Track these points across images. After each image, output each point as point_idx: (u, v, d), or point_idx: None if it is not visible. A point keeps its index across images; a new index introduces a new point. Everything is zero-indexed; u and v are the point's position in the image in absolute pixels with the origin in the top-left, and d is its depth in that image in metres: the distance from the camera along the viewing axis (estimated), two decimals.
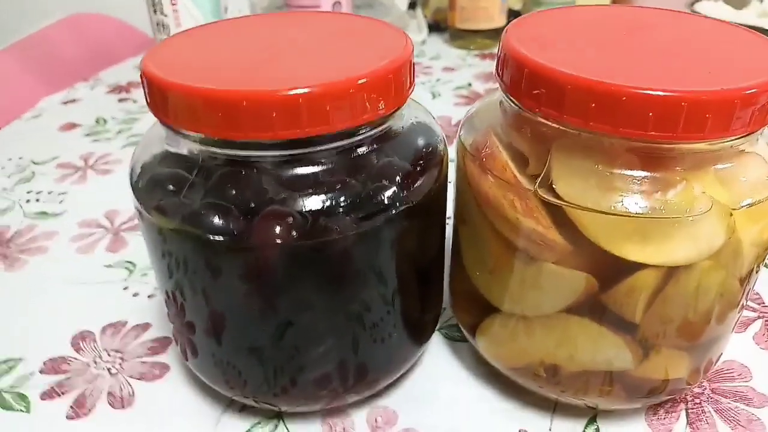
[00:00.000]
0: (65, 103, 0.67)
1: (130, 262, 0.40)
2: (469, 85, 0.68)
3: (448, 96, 0.65)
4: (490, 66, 0.73)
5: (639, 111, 0.20)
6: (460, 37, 0.80)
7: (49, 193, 0.49)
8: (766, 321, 0.35)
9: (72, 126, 0.61)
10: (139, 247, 0.41)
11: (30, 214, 0.46)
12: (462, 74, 0.71)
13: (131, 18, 0.81)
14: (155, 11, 0.63)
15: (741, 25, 0.60)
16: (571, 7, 0.29)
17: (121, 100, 0.67)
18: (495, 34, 0.79)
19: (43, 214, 0.46)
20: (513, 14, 0.82)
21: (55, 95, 0.69)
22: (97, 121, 0.62)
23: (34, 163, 0.54)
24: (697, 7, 0.72)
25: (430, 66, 0.74)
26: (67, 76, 0.72)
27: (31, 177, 0.52)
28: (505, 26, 0.81)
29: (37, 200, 0.48)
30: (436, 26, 0.86)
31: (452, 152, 0.29)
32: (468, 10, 0.77)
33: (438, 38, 0.84)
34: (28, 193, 0.49)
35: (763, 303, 0.36)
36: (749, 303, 0.36)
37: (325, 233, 0.23)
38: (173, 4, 0.62)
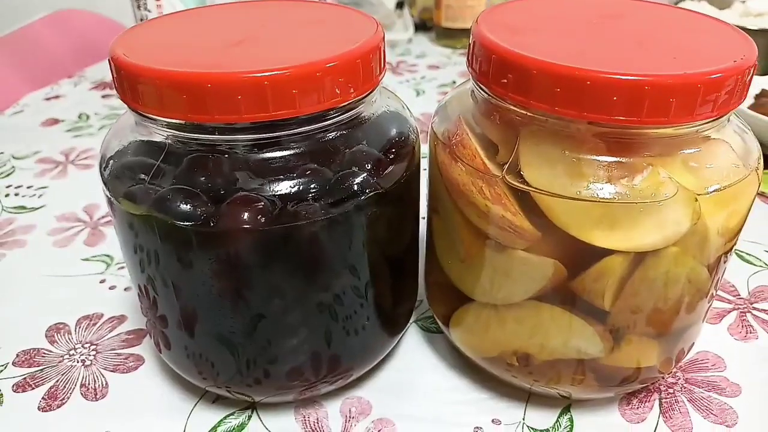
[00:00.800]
0: (48, 99, 0.67)
1: (107, 256, 0.40)
2: (453, 82, 0.68)
3: (432, 93, 0.65)
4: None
5: (603, 95, 0.20)
6: (446, 35, 0.80)
7: (29, 187, 0.49)
8: (740, 313, 0.35)
9: (54, 122, 0.61)
10: (116, 241, 0.41)
11: (9, 208, 0.46)
12: (446, 72, 0.71)
13: (116, 14, 0.81)
14: (139, 7, 0.63)
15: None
16: None
17: (104, 96, 0.67)
18: None
19: (22, 208, 0.46)
20: None
21: (38, 91, 0.68)
22: (80, 117, 0.62)
23: (15, 158, 0.53)
24: (681, 6, 0.72)
25: (416, 64, 0.74)
26: (50, 73, 0.72)
27: (11, 172, 0.51)
28: None
29: (17, 194, 0.48)
30: (422, 25, 0.86)
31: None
32: (454, 9, 0.77)
33: (424, 37, 0.84)
34: (8, 187, 0.49)
35: (738, 295, 0.36)
36: (724, 294, 0.36)
37: (293, 218, 0.23)
38: (157, 0, 0.62)
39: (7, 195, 0.48)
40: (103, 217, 0.44)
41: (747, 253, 0.40)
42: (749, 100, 0.54)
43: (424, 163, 0.28)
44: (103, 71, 0.74)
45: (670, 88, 0.20)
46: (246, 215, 0.22)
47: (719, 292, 0.37)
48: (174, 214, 0.23)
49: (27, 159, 0.53)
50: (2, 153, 0.54)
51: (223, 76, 0.21)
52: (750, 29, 0.63)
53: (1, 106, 0.64)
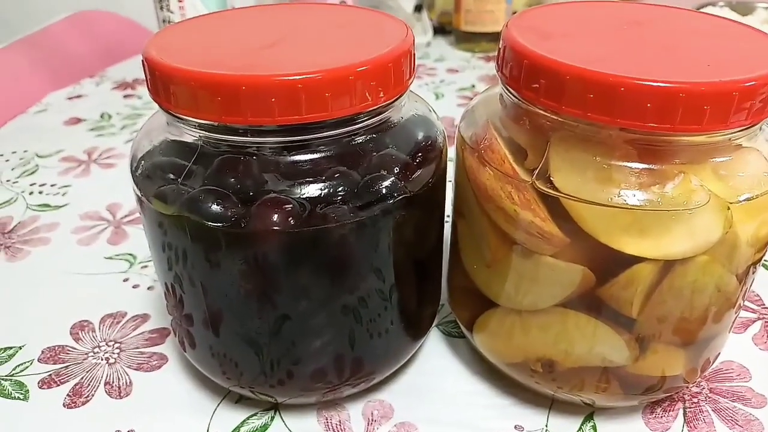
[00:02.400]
0: (71, 98, 0.67)
1: (130, 254, 0.41)
2: (473, 86, 0.68)
3: (452, 97, 0.65)
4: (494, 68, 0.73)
5: (637, 102, 0.20)
6: (465, 39, 0.80)
7: (52, 185, 0.49)
8: (765, 322, 0.35)
9: (77, 121, 0.61)
10: (139, 240, 0.41)
11: (33, 206, 0.47)
12: (466, 76, 0.71)
13: (138, 15, 0.82)
14: (161, 8, 0.63)
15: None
16: (573, 2, 0.29)
17: (126, 96, 0.68)
18: (499, 36, 0.79)
19: (46, 206, 0.46)
20: None
21: (61, 91, 0.69)
22: (102, 117, 0.62)
23: (39, 156, 0.54)
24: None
25: (435, 68, 0.74)
26: (73, 73, 0.73)
27: (35, 170, 0.52)
28: None
29: (40, 192, 0.48)
30: (441, 29, 0.86)
31: (453, 152, 0.29)
32: (473, 13, 0.77)
33: (443, 41, 0.84)
34: (32, 185, 0.49)
35: (763, 304, 0.36)
36: (748, 304, 0.36)
37: (322, 221, 0.23)
38: (180, 1, 0.62)
39: (31, 193, 0.48)
40: (126, 216, 0.45)
41: None
42: None
43: (449, 167, 0.28)
44: (124, 71, 0.75)
45: (704, 95, 0.20)
46: (276, 217, 0.23)
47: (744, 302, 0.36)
48: (205, 215, 0.23)
49: (50, 157, 0.54)
50: (26, 151, 0.55)
51: (257, 78, 0.21)
52: None
53: (25, 104, 0.65)
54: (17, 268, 0.40)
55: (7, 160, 0.54)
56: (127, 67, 0.76)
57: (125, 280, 0.38)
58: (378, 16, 0.27)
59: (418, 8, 0.88)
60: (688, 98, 0.20)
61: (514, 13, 0.81)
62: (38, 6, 0.90)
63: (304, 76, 0.21)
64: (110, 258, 0.40)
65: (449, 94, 0.66)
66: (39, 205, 0.47)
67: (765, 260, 0.39)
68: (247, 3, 0.84)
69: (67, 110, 0.64)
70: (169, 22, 0.64)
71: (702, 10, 0.72)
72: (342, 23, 0.26)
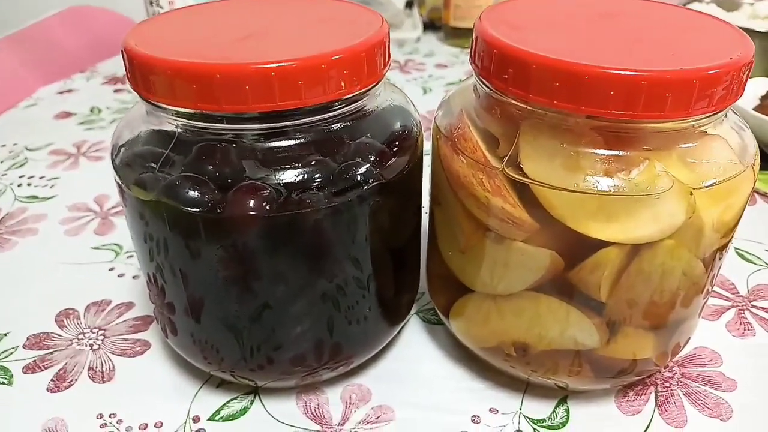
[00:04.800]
0: (61, 92, 0.68)
1: (116, 245, 0.41)
2: (460, 81, 0.68)
3: (439, 91, 0.66)
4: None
5: (601, 89, 0.21)
6: (455, 35, 0.80)
7: (41, 177, 0.50)
8: (739, 310, 0.35)
9: (67, 115, 0.62)
10: (126, 231, 0.41)
11: (21, 197, 0.47)
12: (454, 71, 0.72)
13: (128, 11, 0.82)
14: (151, 3, 0.64)
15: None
16: None
17: (116, 91, 0.68)
18: None
19: (34, 197, 0.47)
20: None
21: (52, 85, 0.69)
22: (92, 111, 0.63)
23: (28, 149, 0.55)
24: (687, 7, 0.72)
25: (424, 63, 0.75)
26: (64, 67, 0.73)
27: (24, 162, 0.52)
28: None
29: (29, 184, 0.49)
30: (431, 24, 0.87)
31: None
32: (462, 9, 0.77)
33: (432, 36, 0.84)
34: (20, 177, 0.50)
35: (737, 292, 0.37)
36: (722, 292, 0.37)
37: (298, 206, 0.23)
38: None
39: (20, 185, 0.49)
40: (113, 207, 0.45)
41: (748, 252, 0.40)
42: (754, 101, 0.54)
43: (428, 159, 0.29)
44: (115, 66, 0.75)
45: (666, 83, 0.21)
46: (252, 202, 0.23)
47: (718, 290, 0.37)
48: (183, 201, 0.23)
49: (40, 150, 0.54)
50: (16, 144, 0.55)
51: (231, 67, 0.21)
52: (757, 31, 0.63)
53: (16, 99, 0.66)
54: (4, 258, 0.40)
55: None
56: (118, 62, 0.75)
57: (111, 269, 0.39)
58: (356, 9, 0.28)
59: (409, 4, 0.89)
60: (650, 86, 0.21)
61: None
62: (30, 2, 0.90)
63: (277, 65, 0.21)
64: (97, 248, 0.41)
65: (437, 88, 0.67)
66: (27, 197, 0.47)
67: (740, 249, 0.39)
68: None
69: (58, 104, 0.64)
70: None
71: (689, 6, 0.73)
72: (320, 16, 0.27)
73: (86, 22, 0.81)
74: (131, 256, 0.40)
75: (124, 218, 0.43)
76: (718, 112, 0.23)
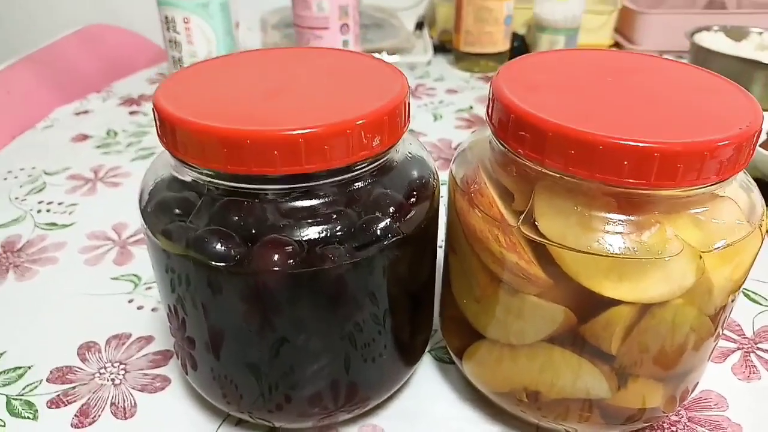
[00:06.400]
0: (77, 114, 0.69)
1: (135, 275, 0.42)
2: (471, 107, 0.70)
3: (450, 119, 0.67)
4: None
5: (615, 159, 0.22)
6: (465, 59, 0.81)
7: (60, 203, 0.51)
8: (744, 352, 0.36)
9: (83, 137, 0.63)
10: (144, 261, 0.43)
11: (41, 224, 0.48)
12: (464, 97, 0.73)
13: (144, 30, 0.84)
14: (168, 28, 0.65)
15: (739, 57, 0.61)
16: (561, 51, 0.30)
17: (132, 113, 0.69)
18: (499, 57, 0.81)
19: (53, 224, 0.48)
20: (517, 38, 0.84)
21: (68, 106, 0.71)
22: (108, 134, 0.64)
23: (46, 173, 0.56)
24: (697, 37, 0.73)
25: (434, 88, 0.76)
26: (80, 87, 0.74)
27: (43, 187, 0.53)
28: (508, 50, 0.82)
29: (48, 210, 0.50)
30: (441, 47, 0.88)
31: (446, 177, 0.30)
32: (473, 34, 0.78)
33: (443, 59, 0.85)
34: (39, 203, 0.51)
35: (743, 334, 0.37)
36: (729, 334, 0.37)
37: (320, 262, 0.24)
38: (186, 22, 0.64)
39: (39, 211, 0.50)
40: (131, 236, 0.46)
41: (754, 293, 0.41)
42: (762, 137, 0.55)
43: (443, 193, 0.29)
44: (130, 87, 0.76)
45: (677, 155, 0.22)
46: (276, 257, 0.24)
47: (725, 331, 0.38)
48: (209, 255, 0.24)
49: (58, 175, 0.55)
50: (34, 168, 0.57)
51: (261, 133, 0.22)
52: (764, 63, 0.64)
53: (33, 120, 0.67)
54: (26, 287, 0.41)
55: (16, 177, 0.55)
56: (133, 83, 0.78)
57: (130, 301, 0.40)
58: (376, 64, 0.29)
59: (419, 26, 0.90)
60: (662, 157, 0.22)
61: (513, 33, 0.82)
62: (45, 20, 0.91)
63: (305, 131, 0.22)
64: (116, 278, 0.42)
65: (447, 115, 0.68)
66: (47, 224, 0.48)
67: (747, 290, 0.40)
68: (251, 23, 0.86)
69: (74, 126, 0.66)
70: (174, 41, 0.66)
71: (696, 35, 0.74)
72: (339, 71, 0.28)
73: (101, 42, 0.83)
74: (149, 288, 0.41)
75: (142, 248, 0.44)
76: (727, 179, 0.24)
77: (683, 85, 0.27)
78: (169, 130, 0.24)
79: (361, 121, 0.23)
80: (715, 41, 0.72)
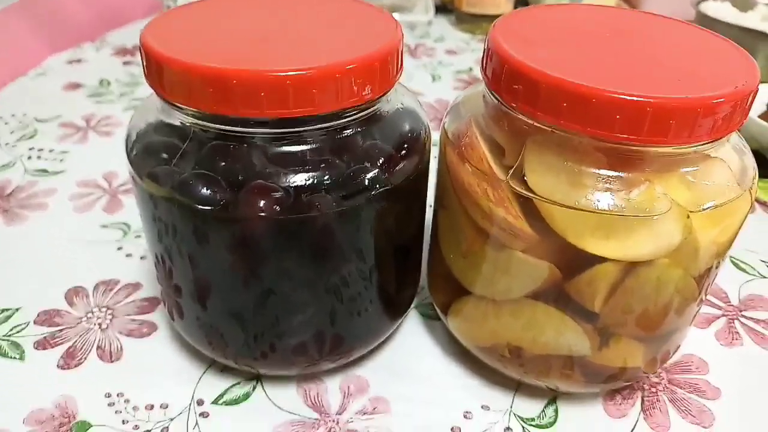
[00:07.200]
0: (70, 62, 0.68)
1: (125, 224, 0.42)
2: (470, 69, 0.69)
3: (448, 79, 0.66)
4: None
5: (606, 113, 0.22)
6: (466, 20, 0.80)
7: (50, 151, 0.50)
8: (729, 319, 0.36)
9: (76, 86, 0.62)
10: (134, 210, 0.42)
11: (31, 170, 0.48)
12: (464, 58, 0.72)
13: None
14: None
15: (744, 28, 0.60)
16: (561, 6, 0.29)
17: (125, 63, 0.68)
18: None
19: (44, 171, 0.48)
20: (520, 1, 0.82)
21: (61, 54, 0.69)
22: (101, 83, 0.63)
23: (37, 120, 0.55)
24: (703, 6, 0.72)
25: (434, 48, 0.74)
26: (73, 36, 0.73)
27: (34, 134, 0.53)
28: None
29: (39, 157, 0.49)
30: (443, 7, 0.86)
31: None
32: None
33: (444, 19, 0.84)
34: (30, 149, 0.50)
35: (729, 302, 0.37)
36: (715, 300, 0.38)
37: (307, 209, 0.24)
38: None
39: (29, 158, 0.49)
40: (122, 185, 0.46)
41: (743, 261, 0.41)
42: (761, 107, 0.54)
43: (435, 152, 0.29)
44: (124, 37, 0.75)
45: (670, 110, 0.21)
46: (262, 203, 0.24)
47: (711, 298, 0.38)
48: (195, 198, 0.24)
49: (49, 122, 0.55)
50: (25, 115, 0.56)
51: (248, 73, 0.22)
52: None
53: (25, 67, 0.66)
54: (15, 232, 0.41)
55: (6, 123, 0.54)
56: (128, 33, 0.76)
57: (119, 248, 0.40)
58: (369, 10, 0.28)
59: None
60: (654, 112, 0.21)
61: None
62: None
63: (292, 73, 0.22)
64: (105, 226, 0.42)
65: (446, 76, 0.67)
66: (37, 170, 0.48)
67: (735, 258, 0.40)
68: None
69: (67, 75, 0.64)
70: None
71: (702, 4, 0.73)
72: (335, 17, 0.27)
73: None
74: (139, 236, 0.41)
75: (133, 197, 0.44)
76: (720, 138, 0.23)
77: (683, 44, 0.26)
78: (155, 69, 0.23)
79: (351, 66, 0.23)
80: (721, 10, 0.71)
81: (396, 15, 0.78)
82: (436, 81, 0.66)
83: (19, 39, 0.67)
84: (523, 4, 0.83)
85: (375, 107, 0.26)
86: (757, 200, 0.47)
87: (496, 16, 0.78)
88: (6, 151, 0.50)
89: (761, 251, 0.42)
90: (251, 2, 0.29)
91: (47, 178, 0.47)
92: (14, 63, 0.65)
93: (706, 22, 0.70)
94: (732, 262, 0.41)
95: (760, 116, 0.52)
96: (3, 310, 0.35)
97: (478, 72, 0.68)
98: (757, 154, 0.52)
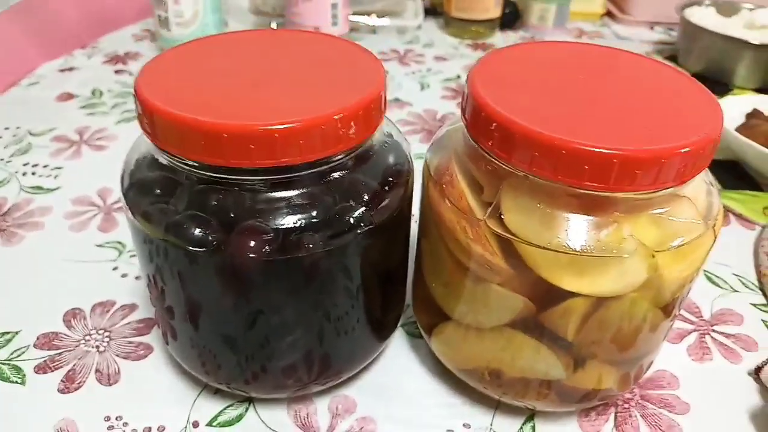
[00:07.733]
0: (62, 70, 0.68)
1: (119, 243, 0.43)
2: (458, 77, 0.70)
3: (436, 88, 0.67)
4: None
5: (576, 163, 0.23)
6: (455, 24, 0.81)
7: (45, 166, 0.51)
8: (700, 334, 0.38)
9: (69, 96, 0.63)
10: (128, 228, 0.44)
11: (26, 187, 0.49)
12: (453, 65, 0.73)
13: None
14: None
15: (725, 36, 0.61)
16: (538, 44, 0.31)
17: (117, 72, 0.69)
18: (490, 24, 0.81)
19: (39, 188, 0.48)
20: (509, 5, 0.83)
21: (53, 62, 0.70)
22: (93, 93, 0.64)
23: (31, 134, 0.56)
24: (687, 12, 0.73)
25: (423, 54, 0.75)
26: (65, 42, 0.73)
27: (28, 149, 0.54)
28: (500, 17, 0.81)
29: (33, 173, 0.50)
30: (432, 11, 0.87)
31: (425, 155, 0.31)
32: (464, 0, 0.78)
33: (433, 23, 0.85)
34: (25, 165, 0.51)
35: (701, 316, 0.39)
36: (687, 315, 0.39)
37: (295, 249, 0.25)
38: None
39: (24, 174, 0.50)
40: (115, 202, 0.47)
41: (715, 275, 0.42)
42: (740, 118, 0.55)
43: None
44: (116, 43, 0.75)
45: (635, 161, 0.23)
46: (252, 244, 0.25)
47: (684, 313, 0.40)
48: (187, 241, 0.25)
49: (43, 136, 0.55)
50: (19, 128, 0.57)
51: (238, 127, 0.23)
52: (751, 43, 0.64)
53: (17, 75, 0.66)
54: (12, 252, 0.42)
55: (1, 137, 0.55)
56: (119, 39, 0.77)
57: (114, 268, 0.41)
58: (353, 50, 0.29)
59: None
60: (621, 163, 0.23)
61: (504, 0, 0.82)
62: None
63: (280, 126, 0.23)
64: (101, 246, 0.43)
65: (435, 84, 0.68)
66: (32, 187, 0.49)
67: (708, 272, 0.42)
68: None
69: (59, 84, 0.65)
70: (161, 0, 0.65)
71: (686, 10, 0.74)
72: (318, 59, 0.28)
73: None
74: (133, 255, 0.42)
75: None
76: (685, 183, 0.25)
77: (652, 86, 0.28)
78: (149, 119, 0.25)
79: (337, 116, 0.24)
80: (705, 16, 0.72)
81: (386, 19, 0.79)
82: (425, 89, 0.67)
83: (12, 46, 0.68)
84: (513, 9, 0.83)
85: (361, 147, 0.27)
86: (731, 212, 0.49)
87: (485, 21, 0.80)
88: (1, 166, 0.51)
89: (733, 265, 0.43)
90: (241, 42, 0.30)
91: (42, 195, 0.48)
92: (7, 71, 0.65)
93: (689, 28, 0.72)
94: (705, 275, 0.42)
95: (738, 127, 0.54)
96: (3, 333, 0.36)
97: (465, 80, 0.69)
98: (735, 166, 0.53)
